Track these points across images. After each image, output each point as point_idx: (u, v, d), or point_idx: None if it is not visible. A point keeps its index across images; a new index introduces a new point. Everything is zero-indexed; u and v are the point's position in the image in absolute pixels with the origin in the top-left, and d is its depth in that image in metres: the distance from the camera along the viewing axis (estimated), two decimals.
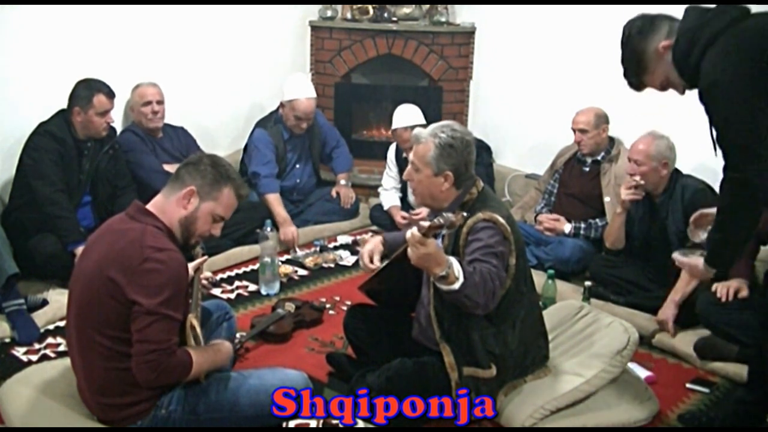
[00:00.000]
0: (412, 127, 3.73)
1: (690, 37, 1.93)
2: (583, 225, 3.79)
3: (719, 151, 1.93)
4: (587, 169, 3.90)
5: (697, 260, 2.13)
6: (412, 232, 2.11)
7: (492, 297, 2.23)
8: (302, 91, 4.21)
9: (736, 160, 1.89)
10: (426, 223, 2.09)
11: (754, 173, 1.86)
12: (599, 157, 3.85)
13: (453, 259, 2.16)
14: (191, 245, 2.29)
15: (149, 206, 2.20)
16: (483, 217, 2.32)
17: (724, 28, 1.88)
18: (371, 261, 2.61)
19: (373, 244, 2.68)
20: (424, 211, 3.75)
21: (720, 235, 2.02)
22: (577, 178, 3.93)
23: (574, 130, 3.84)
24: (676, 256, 2.26)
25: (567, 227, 3.80)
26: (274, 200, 4.12)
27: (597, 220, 3.78)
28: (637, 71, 2.11)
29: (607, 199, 3.74)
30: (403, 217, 4.17)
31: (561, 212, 3.90)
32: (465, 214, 2.18)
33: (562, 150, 4.15)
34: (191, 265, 2.49)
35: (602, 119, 3.81)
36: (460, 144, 2.38)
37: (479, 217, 2.33)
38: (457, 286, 2.14)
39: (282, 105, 4.27)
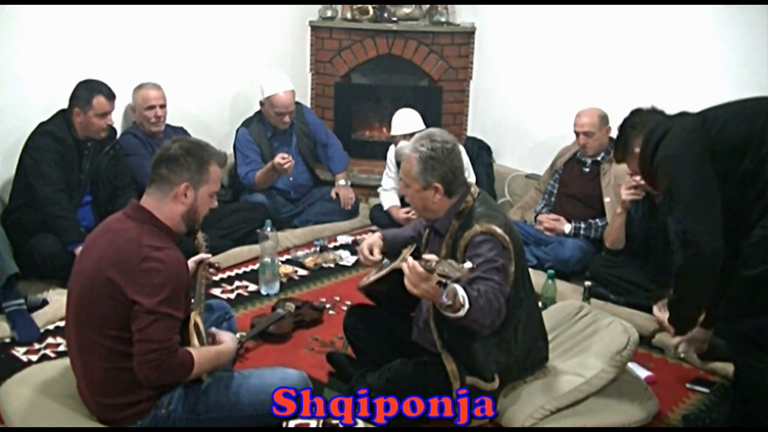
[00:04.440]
0: (411, 134, 3.72)
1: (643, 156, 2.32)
2: (583, 225, 3.79)
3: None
4: (587, 169, 3.90)
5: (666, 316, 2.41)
6: (412, 263, 2.05)
7: (498, 315, 2.21)
8: (279, 85, 4.21)
9: (684, 228, 2.15)
10: (433, 257, 2.05)
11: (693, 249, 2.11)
12: (599, 158, 3.85)
13: (458, 287, 2.11)
14: (196, 230, 2.31)
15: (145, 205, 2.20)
16: (480, 230, 2.30)
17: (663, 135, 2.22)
18: (371, 253, 2.61)
19: (372, 238, 2.68)
20: None
21: (678, 295, 2.26)
22: (577, 179, 3.93)
23: (578, 133, 3.82)
24: (654, 310, 2.69)
25: (567, 227, 3.80)
26: (258, 172, 4.17)
27: (597, 220, 3.78)
28: (623, 153, 2.65)
29: (607, 199, 3.74)
30: (406, 212, 4.17)
31: (561, 212, 3.90)
32: (470, 265, 2.06)
33: (562, 150, 4.14)
34: (193, 259, 2.49)
35: (605, 120, 3.81)
36: (441, 154, 2.34)
37: (476, 230, 2.30)
38: (462, 313, 2.11)
39: (261, 103, 4.29)
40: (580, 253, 3.66)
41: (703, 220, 2.10)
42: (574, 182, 3.94)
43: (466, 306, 2.10)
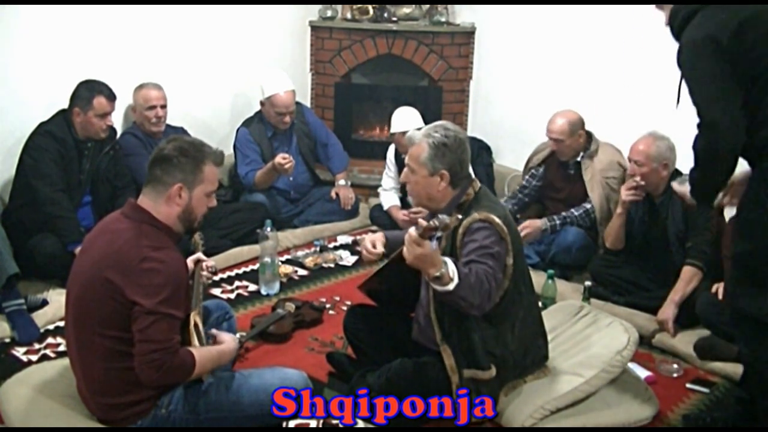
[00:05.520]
0: None
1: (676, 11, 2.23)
2: (557, 220, 3.70)
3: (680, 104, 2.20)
4: (572, 171, 3.83)
5: (687, 189, 2.35)
6: (409, 232, 2.11)
7: (487, 298, 2.22)
8: (279, 85, 4.21)
9: (701, 113, 2.11)
10: (424, 222, 2.09)
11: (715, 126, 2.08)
12: (579, 158, 3.79)
13: (448, 260, 2.16)
14: (195, 229, 2.30)
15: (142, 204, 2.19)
16: (479, 218, 2.31)
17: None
18: (374, 247, 2.61)
19: (375, 235, 2.69)
20: (424, 210, 3.74)
21: (699, 174, 2.20)
22: (563, 182, 3.87)
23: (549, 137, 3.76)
24: (674, 185, 2.60)
25: (541, 222, 3.71)
26: (258, 172, 4.16)
27: (572, 210, 3.70)
28: None
29: (591, 194, 3.70)
30: (405, 215, 4.17)
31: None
32: (459, 216, 2.18)
33: (539, 147, 4.09)
34: (191, 258, 2.49)
35: (577, 125, 3.71)
36: (453, 143, 2.38)
37: (475, 218, 2.32)
38: (451, 287, 2.13)
39: (262, 103, 4.28)
40: (583, 241, 3.64)
41: (719, 102, 2.08)
42: (561, 186, 3.88)
43: (456, 280, 2.13)
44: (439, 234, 2.09)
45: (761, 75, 2.07)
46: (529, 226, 3.68)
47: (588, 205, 3.69)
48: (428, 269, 2.13)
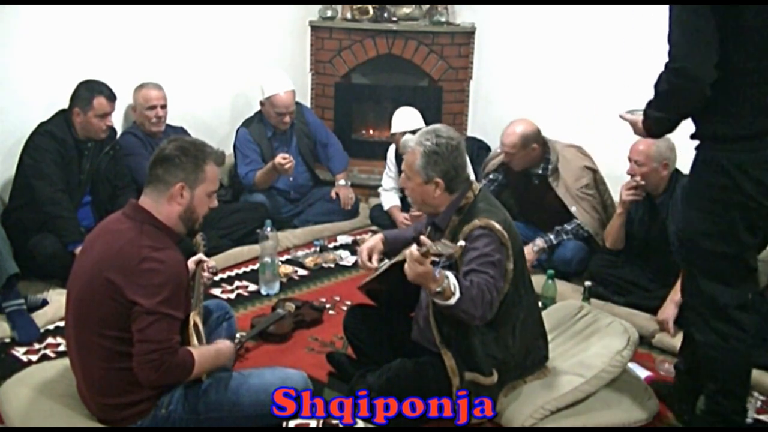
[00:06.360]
0: (412, 132, 3.70)
1: None
2: (553, 238, 3.65)
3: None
4: (537, 181, 3.77)
5: (639, 119, 2.34)
6: (411, 250, 2.09)
7: (489, 308, 2.22)
8: (279, 85, 4.21)
9: (674, 57, 2.08)
10: (427, 241, 2.07)
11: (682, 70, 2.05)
12: (540, 171, 3.73)
13: (450, 275, 2.14)
14: (196, 230, 2.30)
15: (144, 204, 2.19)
16: (479, 224, 2.31)
17: None
18: (369, 259, 2.61)
19: (372, 242, 2.68)
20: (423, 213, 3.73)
21: (657, 114, 2.20)
22: (535, 194, 3.80)
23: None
24: (623, 113, 2.48)
25: (536, 247, 3.64)
26: (259, 172, 4.16)
27: (564, 225, 3.65)
28: None
29: (573, 208, 3.65)
30: (405, 218, 4.18)
31: (534, 225, 3.82)
32: (463, 243, 2.13)
33: (493, 152, 4.04)
34: (192, 259, 2.49)
35: (530, 139, 3.62)
36: (445, 150, 2.35)
37: (475, 224, 2.31)
38: (453, 301, 2.13)
39: (262, 104, 4.29)
40: (582, 253, 3.63)
41: (696, 56, 2.03)
42: (535, 201, 3.81)
43: (457, 294, 2.12)
44: (442, 262, 2.08)
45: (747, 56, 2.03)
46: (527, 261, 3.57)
47: (578, 220, 3.66)
48: (429, 285, 2.12)
